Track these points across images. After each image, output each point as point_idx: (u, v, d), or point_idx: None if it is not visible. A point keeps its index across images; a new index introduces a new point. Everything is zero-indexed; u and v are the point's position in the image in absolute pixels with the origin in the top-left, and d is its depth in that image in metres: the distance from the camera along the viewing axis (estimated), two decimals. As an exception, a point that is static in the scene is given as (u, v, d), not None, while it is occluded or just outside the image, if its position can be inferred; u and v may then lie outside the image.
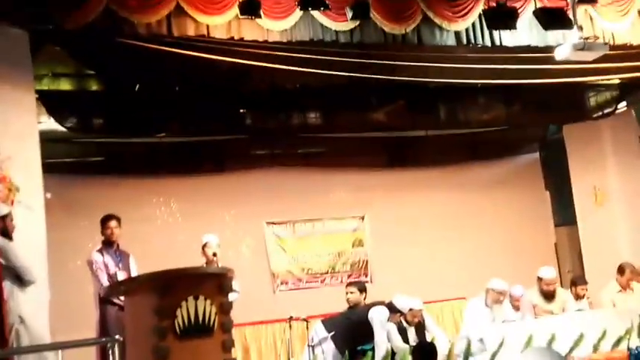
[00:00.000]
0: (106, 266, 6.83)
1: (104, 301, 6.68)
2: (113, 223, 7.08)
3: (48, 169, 7.45)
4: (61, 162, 9.71)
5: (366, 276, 11.51)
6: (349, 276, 11.45)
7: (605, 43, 7.51)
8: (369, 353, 6.29)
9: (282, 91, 9.42)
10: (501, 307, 8.03)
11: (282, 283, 11.53)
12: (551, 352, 3.00)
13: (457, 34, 7.42)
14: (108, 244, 7.05)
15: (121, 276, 6.73)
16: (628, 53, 8.29)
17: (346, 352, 6.44)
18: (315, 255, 11.83)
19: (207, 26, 6.78)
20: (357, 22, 7.17)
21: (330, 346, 7.21)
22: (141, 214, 10.10)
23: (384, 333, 7.22)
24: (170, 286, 5.47)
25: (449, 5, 7.33)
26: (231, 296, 6.95)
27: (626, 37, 7.85)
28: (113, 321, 6.56)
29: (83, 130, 9.76)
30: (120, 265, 6.91)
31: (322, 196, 11.69)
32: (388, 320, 7.27)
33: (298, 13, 7.01)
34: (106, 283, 6.68)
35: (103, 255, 6.92)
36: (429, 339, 7.22)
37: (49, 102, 8.72)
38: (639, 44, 7.98)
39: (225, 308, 5.79)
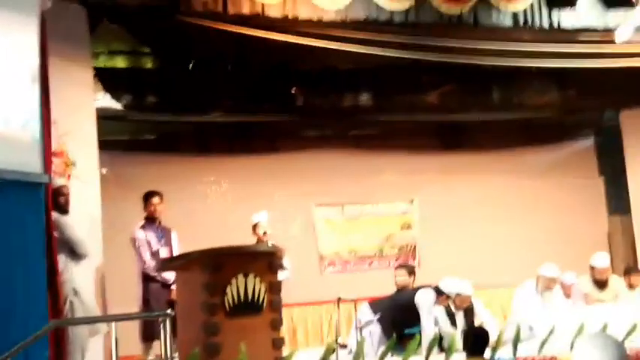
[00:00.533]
0: (149, 243, 6.88)
1: (147, 277, 6.76)
2: (156, 200, 7.10)
3: (105, 145, 7.57)
4: (117, 139, 9.83)
5: (414, 259, 11.42)
6: (397, 259, 11.39)
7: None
8: (417, 336, 6.25)
9: (334, 71, 9.37)
10: (552, 294, 7.93)
11: (329, 265, 11.54)
12: (606, 337, 2.91)
13: (514, 14, 7.29)
14: (150, 220, 7.07)
15: (164, 252, 6.79)
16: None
17: (393, 335, 6.41)
18: (364, 238, 11.80)
19: (262, 4, 6.79)
20: (413, 2, 7.08)
21: (376, 329, 7.21)
22: (191, 193, 10.18)
23: (432, 317, 7.19)
24: (221, 263, 5.53)
25: (508, -16, 7.20)
26: (282, 274, 7.03)
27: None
28: (155, 297, 6.64)
29: (137, 108, 9.80)
30: (162, 242, 6.95)
31: (372, 178, 11.62)
32: (435, 304, 7.23)
33: (354, -8, 6.98)
34: (148, 259, 6.75)
35: (145, 231, 6.97)
36: (477, 324, 7.16)
37: (106, 79, 8.83)
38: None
39: (274, 287, 5.84)
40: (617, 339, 2.84)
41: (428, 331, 6.91)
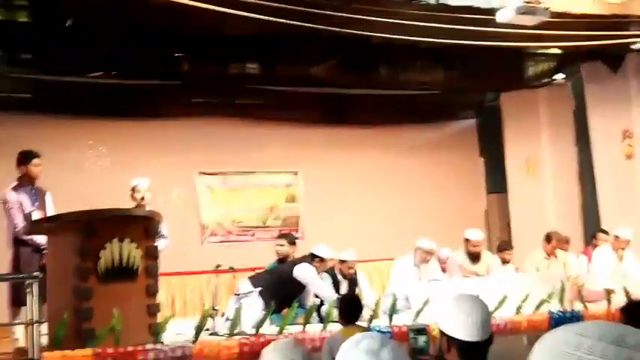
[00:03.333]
0: (21, 205, 6.56)
1: (18, 241, 6.48)
2: (36, 161, 6.74)
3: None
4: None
5: (297, 232, 11.50)
6: (280, 231, 11.43)
7: (546, 9, 7.56)
8: (295, 304, 6.31)
9: (222, 38, 9.21)
10: (428, 267, 8.14)
11: (211, 235, 11.47)
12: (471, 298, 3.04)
13: (403, -11, 7.38)
14: (26, 182, 6.73)
15: (37, 215, 6.49)
16: (568, 22, 8.38)
17: (271, 303, 6.42)
18: (247, 208, 11.79)
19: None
20: (302, -31, 7.05)
21: (255, 300, 7.20)
22: (68, 157, 9.85)
23: (321, 283, 7.27)
24: (94, 226, 5.39)
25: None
26: (162, 243, 6.91)
27: (567, 5, 7.92)
28: (27, 262, 6.37)
29: (12, 64, 9.45)
30: (36, 204, 6.65)
31: (257, 149, 11.59)
32: (319, 272, 7.30)
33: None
34: (20, 223, 6.46)
35: (18, 193, 6.63)
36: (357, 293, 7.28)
37: (-25, 33, 8.40)
38: (579, 13, 8.06)
39: (151, 253, 5.75)
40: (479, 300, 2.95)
41: (329, 297, 6.96)
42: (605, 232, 9.44)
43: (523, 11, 7.47)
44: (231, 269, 7.67)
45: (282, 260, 7.64)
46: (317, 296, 7.19)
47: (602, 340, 1.21)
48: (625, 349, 1.20)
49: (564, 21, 8.35)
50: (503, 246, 9.12)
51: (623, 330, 1.23)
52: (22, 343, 6.02)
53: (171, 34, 9.04)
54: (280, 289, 7.10)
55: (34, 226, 6.14)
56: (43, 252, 6.17)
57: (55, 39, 8.93)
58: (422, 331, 5.58)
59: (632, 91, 10.79)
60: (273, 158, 11.78)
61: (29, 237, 6.33)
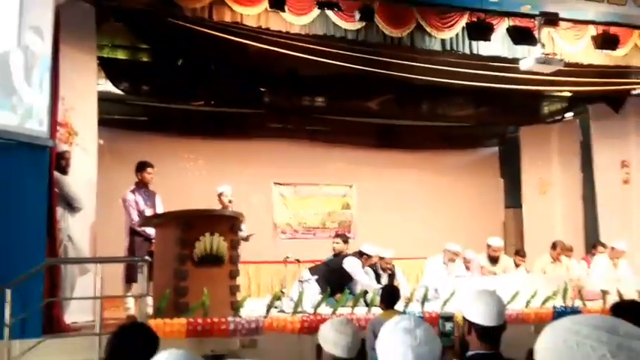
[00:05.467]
0: (137, 203, 6.71)
1: (133, 232, 6.64)
2: (150, 169, 6.93)
3: (104, 122, 7.38)
4: (115, 118, 9.63)
5: (349, 233, 11.48)
6: (336, 232, 11.42)
7: (561, 60, 7.43)
8: (346, 291, 6.30)
9: (296, 76, 9.30)
10: (455, 266, 8.05)
11: (281, 233, 11.53)
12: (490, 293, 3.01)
13: (443, 41, 7.33)
14: (140, 185, 6.87)
15: (149, 212, 6.64)
16: (578, 71, 8.22)
17: (328, 288, 6.43)
18: (311, 212, 11.83)
19: (241, 15, 6.69)
20: (363, 24, 7.06)
21: (314, 285, 7.22)
22: (174, 168, 10.05)
23: (366, 276, 7.26)
24: (192, 222, 5.50)
25: (439, 17, 7.22)
26: (242, 234, 6.96)
27: (578, 57, 7.77)
28: (139, 248, 6.52)
29: (134, 94, 9.73)
30: (148, 203, 6.80)
31: (321, 166, 11.64)
32: (363, 266, 7.28)
33: (316, 12, 6.92)
34: (135, 217, 6.61)
35: (135, 194, 6.81)
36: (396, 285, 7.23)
37: (108, 68, 8.65)
38: (588, 64, 7.89)
39: (234, 244, 5.82)
40: (496, 294, 2.92)
41: (369, 286, 6.95)
42: (602, 244, 9.19)
43: (542, 61, 7.36)
44: (297, 260, 7.71)
45: (337, 255, 7.65)
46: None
47: (597, 329, 1.20)
48: (616, 336, 1.19)
49: (575, 70, 8.19)
50: (519, 251, 8.96)
51: (616, 321, 1.22)
52: (132, 312, 6.17)
53: (258, 73, 9.18)
54: (333, 278, 7.11)
55: (145, 221, 6.30)
56: (152, 241, 6.31)
57: (169, 74, 9.18)
58: (449, 317, 5.49)
59: (631, 128, 10.50)
60: (333, 173, 11.81)
61: (142, 229, 6.49)
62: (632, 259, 8.51)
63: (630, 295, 6.78)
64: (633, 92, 9.52)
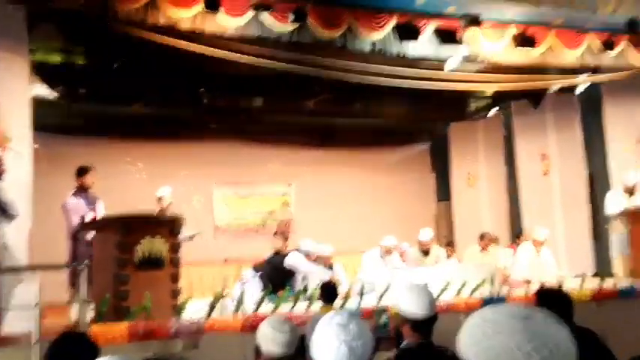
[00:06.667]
0: (78, 208, 6.55)
1: (75, 237, 6.44)
2: (92, 174, 6.75)
3: (40, 127, 7.09)
4: (51, 123, 9.26)
5: (289, 231, 11.47)
6: (276, 230, 11.42)
7: (483, 60, 7.63)
8: (287, 287, 6.30)
9: (233, 77, 9.21)
10: (391, 258, 8.15)
11: (223, 233, 11.43)
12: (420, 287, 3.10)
13: (373, 43, 7.38)
14: (83, 190, 6.69)
15: (90, 217, 6.47)
16: (500, 70, 8.47)
17: (270, 286, 6.41)
18: (252, 212, 11.77)
19: (176, 18, 6.55)
20: (296, 26, 7.04)
21: (256, 283, 7.18)
22: (113, 171, 9.79)
23: (311, 265, 7.24)
24: (131, 226, 5.38)
25: (370, 19, 7.26)
26: (185, 234, 6.84)
27: (500, 56, 7.97)
28: (81, 253, 6.33)
29: (70, 97, 9.39)
30: (90, 207, 6.62)
31: (260, 165, 11.62)
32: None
33: (250, 14, 6.85)
34: (77, 222, 6.43)
35: (76, 199, 6.61)
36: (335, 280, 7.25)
37: (43, 72, 8.33)
38: (509, 63, 8.12)
39: (175, 247, 5.72)
40: (426, 287, 2.99)
41: (322, 273, 6.95)
42: (525, 233, 9.51)
43: (465, 60, 7.55)
44: (237, 261, 7.64)
45: (277, 253, 7.63)
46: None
47: (512, 318, 1.28)
48: (532, 323, 1.27)
49: (498, 69, 8.43)
50: (449, 244, 9.18)
51: (530, 311, 1.31)
52: (74, 316, 5.97)
53: (196, 74, 9.02)
54: (275, 275, 7.09)
55: (86, 225, 6.11)
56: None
57: (105, 77, 8.91)
58: (384, 311, 5.59)
59: (549, 122, 10.86)
60: (272, 172, 11.81)
61: (82, 233, 6.29)
62: (553, 247, 8.84)
63: (551, 281, 7.08)
64: (550, 89, 9.87)
